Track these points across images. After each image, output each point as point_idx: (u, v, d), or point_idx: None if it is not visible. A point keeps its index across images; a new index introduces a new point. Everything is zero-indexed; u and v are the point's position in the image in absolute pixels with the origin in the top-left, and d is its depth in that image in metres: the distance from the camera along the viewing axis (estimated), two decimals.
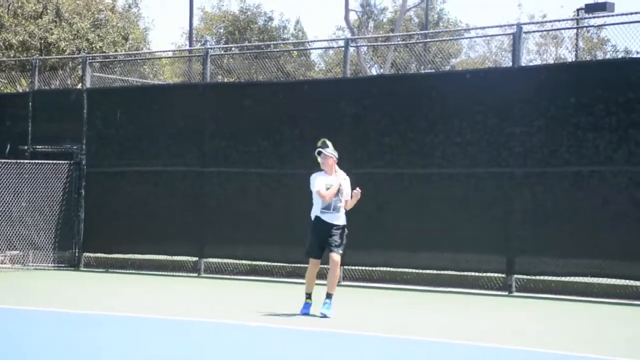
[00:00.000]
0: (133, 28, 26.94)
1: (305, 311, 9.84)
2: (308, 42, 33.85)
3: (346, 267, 13.59)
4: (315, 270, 9.84)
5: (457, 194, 12.69)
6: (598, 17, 15.68)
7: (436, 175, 12.84)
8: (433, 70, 18.78)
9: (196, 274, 14.71)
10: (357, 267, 13.57)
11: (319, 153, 9.81)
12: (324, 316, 9.60)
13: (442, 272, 12.88)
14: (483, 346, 8.27)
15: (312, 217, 9.81)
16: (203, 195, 14.75)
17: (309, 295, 9.89)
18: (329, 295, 9.73)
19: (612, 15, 14.07)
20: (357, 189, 9.72)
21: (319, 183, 9.72)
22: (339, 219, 9.74)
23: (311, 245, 9.77)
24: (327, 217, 9.70)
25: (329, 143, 9.84)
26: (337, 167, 9.87)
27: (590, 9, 20.95)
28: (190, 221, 14.78)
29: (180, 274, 14.88)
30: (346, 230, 9.76)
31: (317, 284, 9.94)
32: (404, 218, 13.14)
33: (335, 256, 9.64)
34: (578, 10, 23.12)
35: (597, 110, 11.82)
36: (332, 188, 9.62)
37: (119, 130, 15.57)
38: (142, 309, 10.67)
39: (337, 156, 9.89)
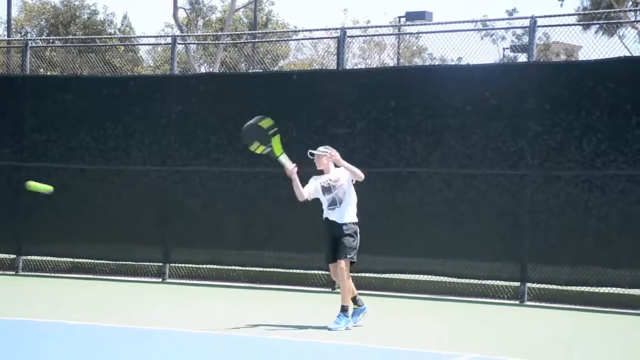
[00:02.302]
0: None
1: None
2: (135, 37, 33.25)
3: (172, 264, 13.58)
4: (334, 274, 9.23)
5: (282, 192, 12.91)
6: (416, 25, 16.37)
7: (262, 173, 13.01)
8: (261, 70, 18.98)
9: (13, 272, 14.21)
10: (182, 265, 13.58)
11: (311, 155, 9.28)
12: (329, 329, 8.95)
13: (268, 269, 13.10)
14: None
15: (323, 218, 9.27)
16: (18, 191, 14.23)
17: (354, 301, 9.26)
18: (342, 308, 9.09)
19: (429, 24, 14.76)
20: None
21: (309, 185, 9.23)
22: (347, 216, 9.13)
23: (325, 250, 9.25)
24: (334, 216, 9.14)
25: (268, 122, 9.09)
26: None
27: (410, 17, 21.84)
28: (6, 218, 14.23)
29: None
30: (356, 238, 9.12)
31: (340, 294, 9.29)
32: (230, 216, 13.24)
33: (340, 262, 9.05)
34: (399, 17, 24.08)
35: (415, 114, 12.37)
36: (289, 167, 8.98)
37: None
38: None
39: (330, 152, 9.26)
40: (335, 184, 9.20)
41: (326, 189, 9.24)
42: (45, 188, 9.97)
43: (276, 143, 9.27)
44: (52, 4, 36.68)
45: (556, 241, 11.58)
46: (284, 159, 9.26)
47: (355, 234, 9.19)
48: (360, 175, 9.20)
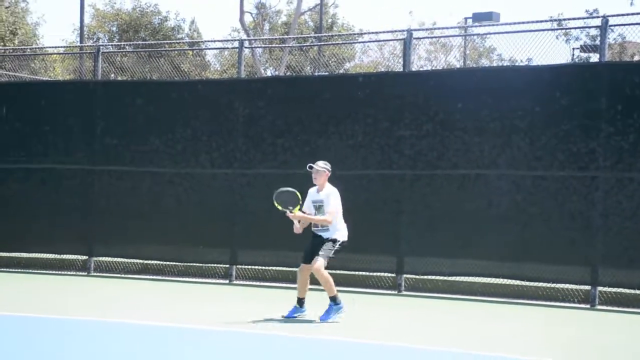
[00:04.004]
0: (21, 23, 26.23)
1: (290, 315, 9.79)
2: (203, 42, 33.67)
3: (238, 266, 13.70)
4: (300, 275, 9.73)
5: (345, 194, 12.90)
6: (484, 25, 16.19)
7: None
8: (327, 73, 18.99)
9: (86, 273, 14.51)
10: (249, 267, 13.70)
11: (310, 167, 9.71)
12: (321, 319, 9.58)
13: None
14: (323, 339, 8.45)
15: None
16: (93, 194, 14.54)
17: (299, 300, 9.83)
18: (331, 299, 9.64)
19: (497, 25, 14.58)
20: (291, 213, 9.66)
21: (306, 200, 9.72)
22: (327, 233, 9.63)
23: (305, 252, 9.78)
24: (320, 232, 9.71)
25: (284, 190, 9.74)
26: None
27: (477, 18, 21.64)
28: (79, 220, 14.54)
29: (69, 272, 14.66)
30: (335, 244, 9.59)
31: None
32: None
33: (317, 260, 9.53)
34: (466, 18, 23.88)
35: (483, 116, 12.23)
36: (305, 216, 9.61)
37: (4, 127, 15.16)
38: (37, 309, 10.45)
39: (329, 169, 9.76)
40: (318, 208, 9.65)
41: (317, 209, 9.69)
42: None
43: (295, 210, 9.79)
44: (125, 11, 37.38)
45: (629, 244, 11.34)
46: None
47: (334, 243, 9.58)
48: (326, 222, 9.56)
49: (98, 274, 14.49)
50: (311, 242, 9.72)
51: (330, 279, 9.58)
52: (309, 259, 9.64)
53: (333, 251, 9.57)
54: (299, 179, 13.28)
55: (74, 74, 17.52)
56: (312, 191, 9.82)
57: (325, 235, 9.62)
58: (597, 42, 12.32)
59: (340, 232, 9.65)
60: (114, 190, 14.42)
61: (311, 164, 9.72)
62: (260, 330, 9.18)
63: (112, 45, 29.62)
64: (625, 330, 10.04)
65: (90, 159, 14.60)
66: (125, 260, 14.50)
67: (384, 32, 16.97)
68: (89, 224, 14.49)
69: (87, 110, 14.70)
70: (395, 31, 14.58)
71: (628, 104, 11.42)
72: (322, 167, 9.69)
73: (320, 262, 9.50)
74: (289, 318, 9.71)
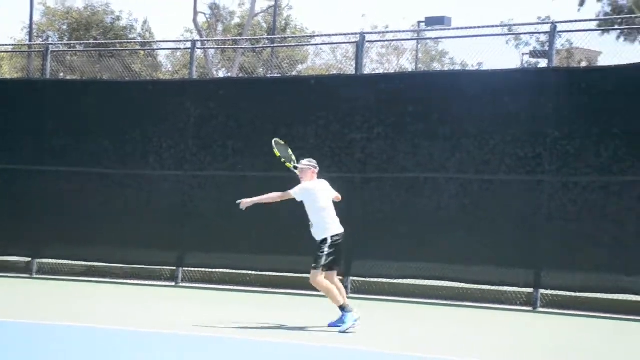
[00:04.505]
0: None
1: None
2: (155, 42, 33.44)
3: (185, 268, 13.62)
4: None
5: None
6: (436, 30, 16.35)
7: (278, 178, 12.98)
8: (279, 75, 18.99)
9: (28, 275, 14.29)
10: (196, 269, 13.64)
11: (295, 168, 9.66)
12: (340, 331, 9.18)
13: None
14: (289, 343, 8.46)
15: None
16: (40, 194, 14.32)
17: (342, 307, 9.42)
18: (340, 309, 9.32)
19: (449, 29, 14.75)
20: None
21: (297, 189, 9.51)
22: (318, 235, 9.42)
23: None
24: (312, 233, 9.51)
25: (280, 142, 9.80)
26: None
27: (429, 22, 21.84)
28: (24, 221, 14.32)
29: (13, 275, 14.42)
30: (323, 247, 9.31)
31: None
32: (245, 221, 13.23)
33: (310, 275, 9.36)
34: (419, 22, 24.08)
35: (433, 120, 12.33)
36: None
37: None
38: None
39: (315, 166, 9.61)
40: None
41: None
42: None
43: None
44: (76, 9, 36.93)
45: (571, 247, 11.52)
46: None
47: (323, 244, 9.35)
48: (271, 198, 9.54)
49: (42, 276, 14.28)
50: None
51: (331, 288, 9.30)
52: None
53: (324, 255, 9.29)
54: (251, 182, 13.30)
55: (22, 72, 17.27)
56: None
57: (317, 238, 9.41)
58: (547, 47, 12.49)
59: (328, 229, 9.38)
60: (62, 191, 14.23)
61: (296, 164, 9.69)
62: (208, 332, 9.14)
63: (62, 44, 29.24)
64: (565, 333, 10.18)
65: (38, 159, 14.40)
66: (71, 262, 14.32)
67: (336, 34, 17.00)
68: (34, 225, 14.28)
69: (36, 110, 14.49)
70: (348, 34, 14.65)
71: (574, 110, 11.60)
72: (306, 165, 9.60)
73: (312, 274, 9.28)
74: (334, 327, 9.30)
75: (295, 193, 9.49)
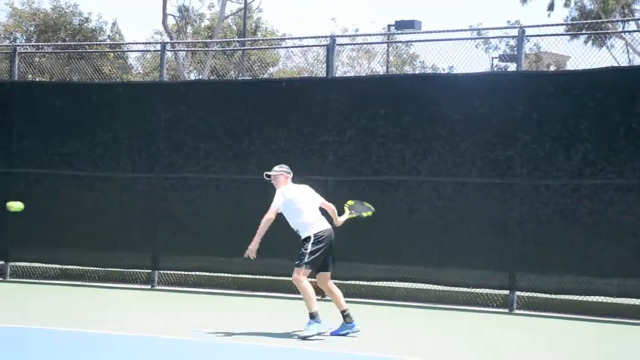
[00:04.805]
0: None
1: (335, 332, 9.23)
2: (125, 44, 33.23)
3: (161, 271, 13.56)
4: (318, 285, 9.35)
5: (271, 199, 12.90)
6: (406, 33, 16.46)
7: (252, 180, 13.01)
8: (250, 78, 18.99)
9: (1, 278, 14.16)
10: (171, 272, 13.57)
11: (267, 176, 9.53)
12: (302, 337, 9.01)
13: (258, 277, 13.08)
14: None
15: None
16: (9, 197, 14.17)
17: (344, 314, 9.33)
18: (310, 315, 9.14)
19: (420, 32, 14.84)
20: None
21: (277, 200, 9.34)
22: (302, 233, 9.30)
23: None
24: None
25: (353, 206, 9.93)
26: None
27: (399, 26, 21.97)
28: None
29: None
30: (306, 244, 9.17)
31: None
32: (219, 223, 13.23)
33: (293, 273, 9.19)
34: (389, 26, 24.19)
35: (404, 122, 12.41)
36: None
37: None
38: None
39: (287, 171, 9.53)
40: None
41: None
42: (18, 207, 10.10)
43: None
44: (43, 10, 36.61)
45: (544, 249, 11.64)
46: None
47: (307, 241, 9.20)
48: (266, 226, 9.26)
49: (15, 279, 14.16)
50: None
51: (310, 291, 9.10)
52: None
53: (307, 252, 9.10)
54: (222, 184, 13.29)
55: None
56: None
57: (302, 236, 9.26)
58: (516, 52, 12.61)
59: (310, 228, 9.22)
60: (32, 193, 14.09)
61: (267, 172, 9.55)
62: (184, 335, 9.11)
63: (29, 45, 28.97)
64: (542, 334, 10.28)
65: (7, 161, 14.26)
66: (44, 265, 14.21)
67: (307, 37, 17.02)
68: (5, 227, 14.14)
69: (4, 112, 14.36)
70: (319, 37, 14.66)
71: (543, 113, 11.73)
72: (277, 171, 9.49)
73: (295, 271, 9.11)
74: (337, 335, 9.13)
75: (276, 205, 9.29)
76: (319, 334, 9.05)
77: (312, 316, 9.11)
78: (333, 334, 9.18)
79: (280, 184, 9.45)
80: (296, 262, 9.21)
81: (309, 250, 9.17)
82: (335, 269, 9.59)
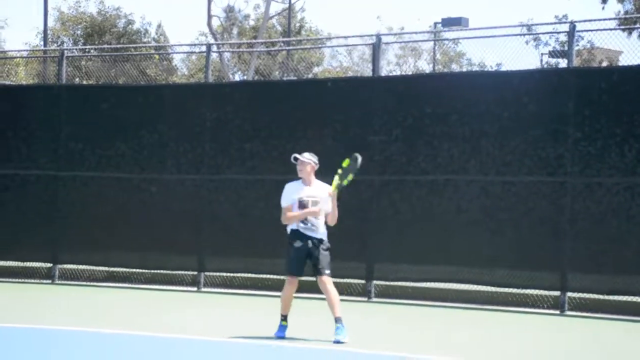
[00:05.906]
0: None
1: (280, 334, 8.87)
2: (170, 46, 33.45)
3: (207, 273, 13.54)
4: (292, 290, 8.82)
5: None
6: (453, 30, 16.24)
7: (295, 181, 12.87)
8: (295, 78, 18.91)
9: (50, 281, 14.26)
10: (217, 274, 13.54)
11: (295, 159, 8.86)
12: (338, 342, 8.57)
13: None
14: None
15: (289, 230, 8.88)
16: (57, 200, 14.30)
17: (284, 317, 8.93)
18: (337, 320, 8.70)
19: (467, 30, 14.63)
20: (329, 190, 8.79)
21: (288, 196, 8.82)
22: (319, 232, 8.83)
23: (291, 261, 8.79)
24: (308, 231, 8.82)
25: (358, 160, 8.84)
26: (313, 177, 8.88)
27: (446, 23, 21.71)
28: (43, 227, 14.29)
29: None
30: (329, 246, 8.81)
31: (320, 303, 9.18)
32: (264, 224, 13.16)
33: (325, 278, 8.74)
34: (435, 23, 23.95)
35: (451, 121, 12.22)
36: (310, 209, 8.67)
37: None
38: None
39: (316, 162, 8.93)
40: (315, 205, 8.81)
41: (304, 206, 8.83)
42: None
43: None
44: (89, 14, 37.02)
45: (597, 249, 11.36)
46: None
47: (329, 249, 8.89)
48: (334, 220, 8.85)
49: (63, 281, 14.26)
50: (299, 248, 8.84)
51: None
52: (301, 269, 8.81)
53: (289, 258, 8.76)
54: (267, 185, 13.22)
55: (38, 78, 17.27)
56: (295, 186, 8.94)
57: (320, 236, 8.78)
58: (566, 47, 12.35)
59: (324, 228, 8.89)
60: (79, 196, 14.19)
61: (296, 155, 8.91)
62: (231, 338, 9.05)
63: (76, 49, 29.27)
64: (594, 336, 10.05)
65: (55, 164, 14.37)
66: (91, 267, 14.29)
67: (352, 36, 16.94)
68: (53, 230, 14.26)
69: (52, 115, 14.47)
70: (364, 35, 14.57)
71: (595, 110, 11.46)
72: (308, 158, 8.86)
73: (329, 280, 8.71)
74: (281, 338, 8.83)
75: (284, 206, 8.91)
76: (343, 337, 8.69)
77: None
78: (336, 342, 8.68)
79: (305, 173, 8.88)
80: (327, 270, 8.84)
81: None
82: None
